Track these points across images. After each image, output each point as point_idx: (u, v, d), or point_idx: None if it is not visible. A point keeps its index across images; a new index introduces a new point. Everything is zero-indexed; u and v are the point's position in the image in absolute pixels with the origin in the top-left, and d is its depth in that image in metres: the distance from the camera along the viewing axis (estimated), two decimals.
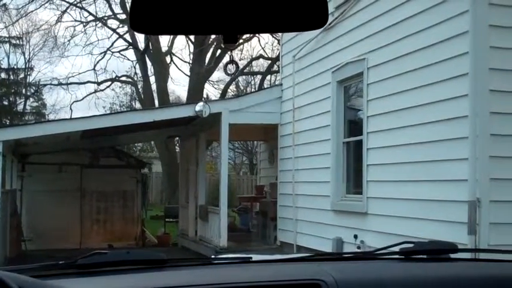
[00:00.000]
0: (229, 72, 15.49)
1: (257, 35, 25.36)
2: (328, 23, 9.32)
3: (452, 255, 2.23)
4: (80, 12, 23.43)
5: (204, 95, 29.94)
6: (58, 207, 14.30)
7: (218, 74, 39.59)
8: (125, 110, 35.18)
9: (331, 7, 9.62)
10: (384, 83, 8.17)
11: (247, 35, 25.24)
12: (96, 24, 23.00)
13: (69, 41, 24.27)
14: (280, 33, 12.69)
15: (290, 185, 11.09)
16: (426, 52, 7.21)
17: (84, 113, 46.83)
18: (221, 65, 26.21)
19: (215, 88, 33.10)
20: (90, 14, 23.27)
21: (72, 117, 26.74)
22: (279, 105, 11.71)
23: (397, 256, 2.26)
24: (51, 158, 14.42)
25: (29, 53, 35.05)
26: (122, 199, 15.63)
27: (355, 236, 8.73)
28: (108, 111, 34.50)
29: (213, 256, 2.28)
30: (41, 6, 27.10)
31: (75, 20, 23.39)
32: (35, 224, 14.12)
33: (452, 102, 6.68)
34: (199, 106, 11.15)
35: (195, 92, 24.48)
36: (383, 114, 8.18)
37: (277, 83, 16.28)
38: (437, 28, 6.99)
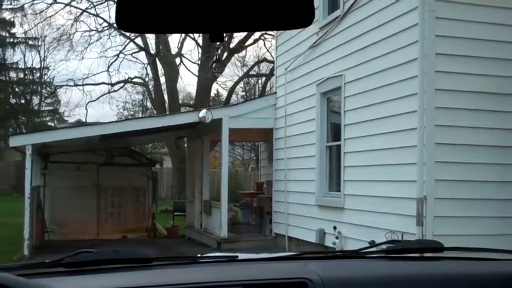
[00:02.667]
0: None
1: (262, 37, 26.80)
2: (313, 42, 10.76)
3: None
4: (95, 20, 24.93)
5: (212, 95, 31.47)
6: (77, 202, 15.72)
7: (225, 75, 41.01)
8: (137, 108, 36.78)
9: (316, 27, 11.04)
10: (357, 97, 9.56)
11: (254, 38, 26.66)
12: (110, 33, 24.44)
13: (85, 48, 25.80)
14: (276, 46, 14.04)
15: (283, 183, 12.50)
16: (386, 73, 8.60)
17: (99, 111, 48.68)
18: (227, 66, 27.70)
19: (223, 88, 34.50)
20: (105, 20, 24.76)
21: (87, 116, 28.40)
22: (274, 111, 13.12)
23: (383, 254, 2.27)
24: (70, 158, 15.82)
25: (44, 51, 36.63)
26: (135, 194, 17.09)
27: (335, 228, 10.12)
28: (121, 110, 36.16)
29: (199, 255, 2.28)
30: (56, 13, 28.72)
31: (91, 30, 24.86)
32: (56, 217, 15.54)
33: (405, 116, 8.08)
34: (202, 113, 12.56)
35: (204, 93, 25.96)
36: (356, 124, 9.58)
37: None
38: (394, 54, 8.40)
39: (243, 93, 37.31)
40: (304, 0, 1.25)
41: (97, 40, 25.77)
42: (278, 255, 2.29)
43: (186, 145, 21.77)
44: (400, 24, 8.31)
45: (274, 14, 1.27)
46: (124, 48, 26.42)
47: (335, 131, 10.69)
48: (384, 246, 2.30)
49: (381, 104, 8.74)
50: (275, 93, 13.34)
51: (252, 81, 36.39)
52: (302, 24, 1.28)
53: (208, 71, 23.09)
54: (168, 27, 1.30)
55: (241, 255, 2.17)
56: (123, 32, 24.46)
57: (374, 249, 2.39)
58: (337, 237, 9.98)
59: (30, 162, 11.85)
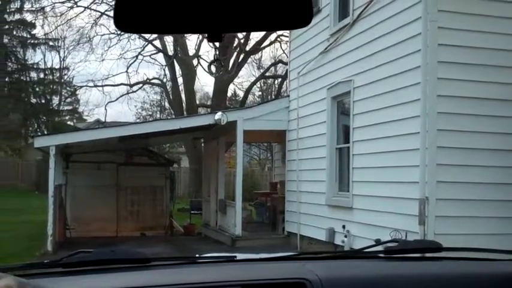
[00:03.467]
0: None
1: (278, 39, 27.27)
2: (324, 48, 11.20)
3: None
4: None
5: (229, 95, 31.98)
6: (97, 200, 16.33)
7: (241, 76, 41.41)
8: (155, 109, 37.42)
9: (327, 34, 11.47)
10: (365, 101, 9.98)
11: (270, 40, 27.14)
12: (129, 36, 25.02)
13: (106, 51, 26.40)
14: (289, 50, 14.51)
15: (295, 183, 12.95)
16: (392, 80, 9.02)
17: (117, 110, 49.33)
18: (245, 66, 28.08)
19: (239, 88, 35.03)
20: None
21: (106, 116, 29.05)
22: (287, 113, 13.57)
23: (381, 255, 2.29)
24: (91, 157, 16.37)
25: (64, 52, 37.40)
26: (153, 193, 17.66)
27: (344, 227, 10.55)
28: (139, 110, 36.83)
29: (197, 255, 2.28)
30: (77, 16, 29.36)
31: (110, 33, 25.49)
32: (77, 215, 16.12)
33: (409, 121, 8.49)
34: (218, 115, 13.06)
35: (221, 93, 26.50)
36: (364, 127, 10.00)
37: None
38: (399, 61, 8.81)
39: (260, 93, 37.83)
40: (302, 0, 1.25)
41: (116, 43, 26.34)
42: (277, 256, 2.29)
43: (202, 145, 22.26)
44: (404, 33, 8.72)
45: (272, 14, 1.27)
46: (143, 50, 27.06)
47: (345, 134, 11.11)
48: (387, 245, 2.33)
49: (387, 109, 9.15)
50: (288, 96, 13.79)
51: (269, 82, 36.88)
52: (300, 24, 1.28)
53: (225, 73, 23.61)
54: (166, 27, 1.30)
55: (240, 256, 2.18)
56: (142, 35, 25.08)
57: (373, 249, 2.40)
58: (346, 236, 10.40)
59: (53, 162, 12.43)
